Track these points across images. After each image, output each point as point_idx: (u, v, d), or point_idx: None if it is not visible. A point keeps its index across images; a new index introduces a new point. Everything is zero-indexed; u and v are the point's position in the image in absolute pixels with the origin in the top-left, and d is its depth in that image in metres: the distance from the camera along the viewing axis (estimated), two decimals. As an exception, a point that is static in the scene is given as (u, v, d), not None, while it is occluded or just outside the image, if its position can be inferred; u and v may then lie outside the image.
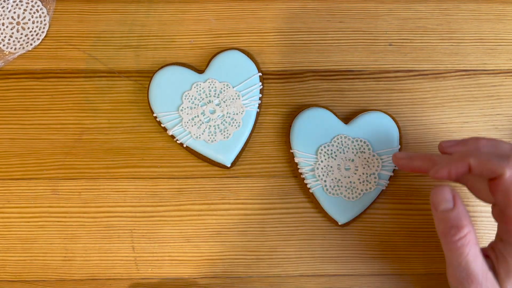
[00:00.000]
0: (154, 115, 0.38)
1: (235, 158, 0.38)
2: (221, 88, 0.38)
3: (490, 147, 0.30)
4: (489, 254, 0.30)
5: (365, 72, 0.40)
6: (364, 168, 0.37)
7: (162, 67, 0.38)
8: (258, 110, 0.38)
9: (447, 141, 0.32)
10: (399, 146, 0.38)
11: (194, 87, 0.38)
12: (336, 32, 0.40)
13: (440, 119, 0.39)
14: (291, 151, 0.38)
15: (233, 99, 0.38)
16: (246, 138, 0.38)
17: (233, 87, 0.38)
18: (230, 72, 0.38)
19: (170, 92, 0.38)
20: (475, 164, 0.29)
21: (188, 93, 0.38)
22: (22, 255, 0.37)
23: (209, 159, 0.38)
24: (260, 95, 0.38)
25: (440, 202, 0.29)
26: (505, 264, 0.29)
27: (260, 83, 0.38)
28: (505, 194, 0.28)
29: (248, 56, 0.39)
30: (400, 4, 0.41)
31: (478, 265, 0.28)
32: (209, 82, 0.38)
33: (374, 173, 0.37)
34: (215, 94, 0.38)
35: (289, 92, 0.39)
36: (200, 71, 0.39)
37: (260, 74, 0.38)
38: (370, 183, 0.37)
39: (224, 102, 0.38)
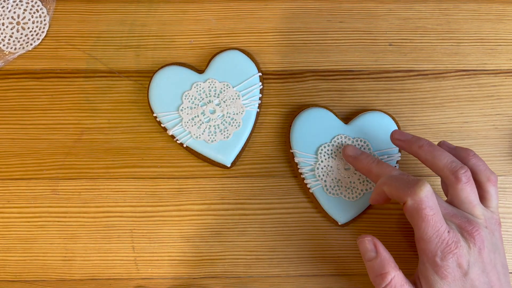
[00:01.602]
0: (154, 115, 0.38)
1: (235, 158, 0.38)
2: (221, 88, 0.38)
3: (429, 156, 0.32)
4: (416, 281, 0.31)
5: (365, 72, 0.40)
6: (364, 168, 0.37)
7: (162, 67, 0.38)
8: (258, 110, 0.38)
9: (398, 133, 0.35)
10: (399, 146, 0.38)
11: (194, 87, 0.38)
12: (336, 32, 0.40)
13: (440, 119, 0.39)
14: (291, 151, 0.38)
15: (233, 99, 0.38)
16: (246, 138, 0.38)
17: (233, 87, 0.38)
18: (230, 72, 0.38)
19: (170, 92, 0.38)
20: (387, 192, 0.32)
21: (188, 93, 0.38)
22: (22, 255, 0.38)
23: (209, 159, 0.38)
24: (260, 95, 0.38)
25: (364, 253, 0.32)
26: (425, 283, 0.30)
27: (260, 83, 0.38)
28: (410, 217, 0.30)
29: (248, 56, 0.39)
30: (400, 4, 0.41)
31: None
32: (209, 82, 0.38)
33: (374, 173, 0.37)
34: (215, 94, 0.38)
35: (289, 92, 0.39)
36: (200, 71, 0.39)
37: (260, 74, 0.38)
38: (370, 183, 0.37)
39: (224, 102, 0.38)
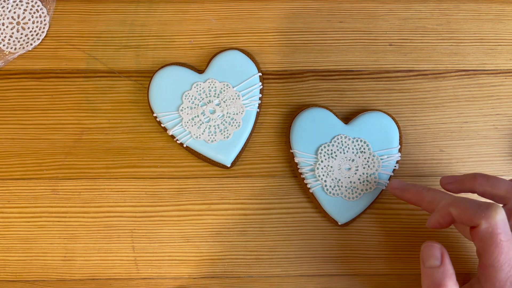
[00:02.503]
0: (154, 115, 0.38)
1: (235, 158, 0.38)
2: (221, 88, 0.38)
3: (486, 186, 0.31)
4: None
5: (365, 72, 0.40)
6: (364, 168, 0.37)
7: (162, 67, 0.38)
8: (258, 110, 0.38)
9: (446, 178, 0.34)
10: (399, 146, 0.38)
11: (194, 87, 0.38)
12: (336, 32, 0.40)
13: (440, 119, 0.39)
14: (291, 151, 0.38)
15: (233, 99, 0.38)
16: (246, 138, 0.38)
17: (233, 87, 0.38)
18: (230, 72, 0.38)
19: (170, 92, 0.38)
20: (455, 214, 0.30)
21: (188, 93, 0.38)
22: (22, 255, 0.38)
23: (209, 159, 0.38)
24: (260, 95, 0.38)
25: (428, 258, 0.30)
26: None
27: (260, 83, 0.38)
28: (480, 242, 0.29)
29: (248, 56, 0.39)
30: (400, 4, 0.41)
31: None
32: (209, 82, 0.38)
33: (374, 173, 0.37)
34: (215, 94, 0.38)
35: (289, 92, 0.39)
36: (200, 71, 0.39)
37: (260, 74, 0.38)
38: (370, 183, 0.37)
39: (224, 102, 0.38)
